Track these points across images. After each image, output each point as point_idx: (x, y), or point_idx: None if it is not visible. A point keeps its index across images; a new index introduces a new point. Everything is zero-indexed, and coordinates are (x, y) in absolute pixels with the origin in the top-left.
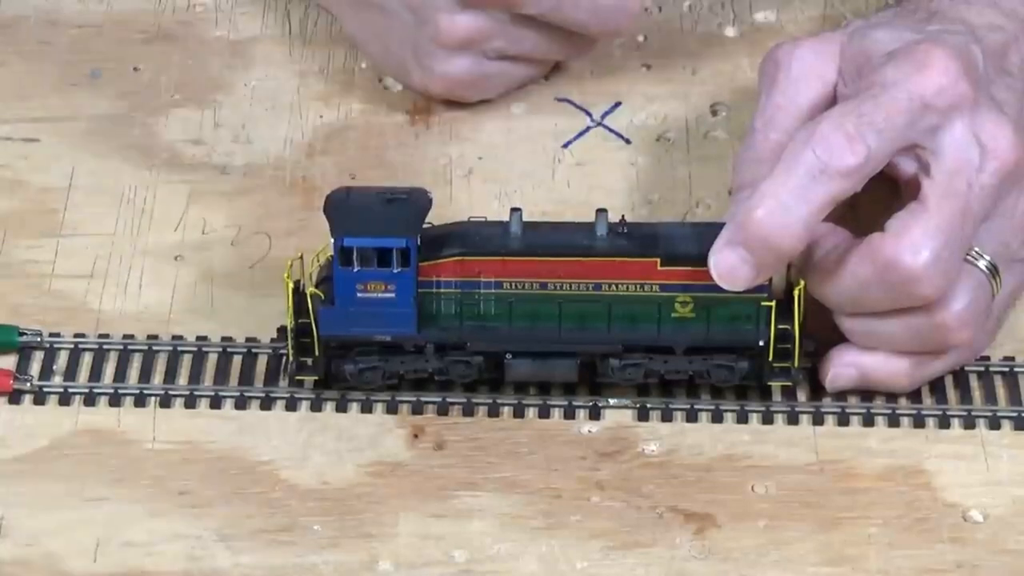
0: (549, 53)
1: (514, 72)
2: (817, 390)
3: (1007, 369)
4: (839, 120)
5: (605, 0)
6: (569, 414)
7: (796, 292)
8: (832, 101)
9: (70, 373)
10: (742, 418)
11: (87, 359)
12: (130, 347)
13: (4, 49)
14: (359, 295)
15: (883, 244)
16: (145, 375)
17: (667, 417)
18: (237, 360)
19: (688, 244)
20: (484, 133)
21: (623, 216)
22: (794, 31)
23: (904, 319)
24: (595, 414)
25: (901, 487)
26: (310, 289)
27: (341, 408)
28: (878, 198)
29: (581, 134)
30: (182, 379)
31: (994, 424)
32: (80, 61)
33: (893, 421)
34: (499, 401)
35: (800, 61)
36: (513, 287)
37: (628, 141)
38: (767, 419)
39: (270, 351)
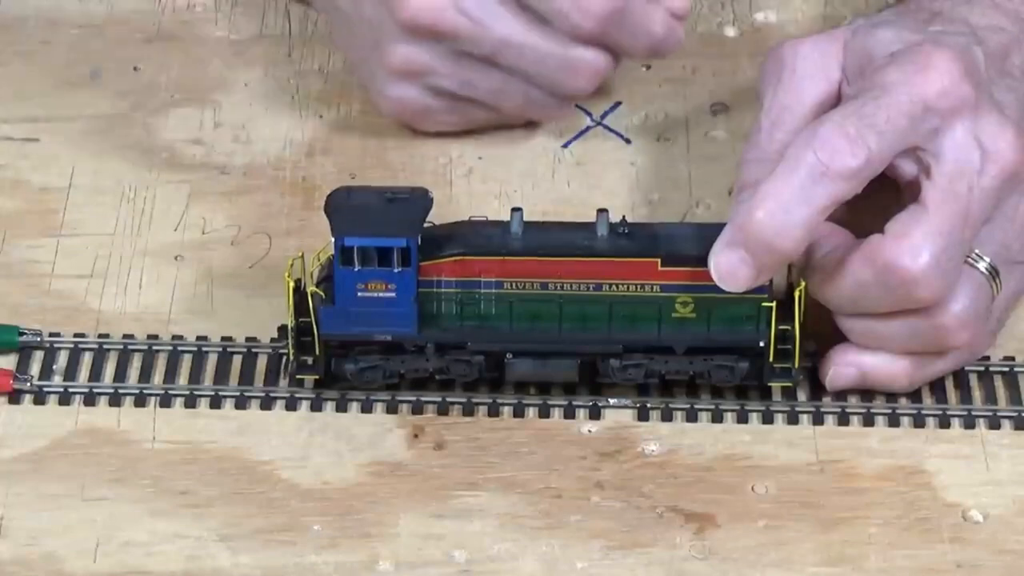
0: (502, 103)
1: (470, 112)
2: (817, 390)
3: (1007, 369)
4: (840, 122)
5: (553, 52)
6: (569, 414)
7: (797, 293)
8: (837, 99)
9: (70, 373)
10: (742, 418)
11: (87, 359)
12: (130, 347)
13: (4, 49)
14: (360, 294)
15: (883, 246)
16: (145, 375)
17: (667, 417)
18: (237, 360)
19: (689, 244)
20: (484, 133)
21: (624, 216)
22: (794, 31)
23: (904, 320)
24: (595, 414)
25: (901, 487)
26: (311, 288)
27: (341, 408)
28: (879, 199)
29: (581, 134)
30: (182, 379)
31: (994, 424)
32: (80, 61)
33: (893, 421)
34: (499, 401)
35: (804, 59)
36: (514, 287)
37: (628, 141)
38: (767, 419)
39: (270, 351)
